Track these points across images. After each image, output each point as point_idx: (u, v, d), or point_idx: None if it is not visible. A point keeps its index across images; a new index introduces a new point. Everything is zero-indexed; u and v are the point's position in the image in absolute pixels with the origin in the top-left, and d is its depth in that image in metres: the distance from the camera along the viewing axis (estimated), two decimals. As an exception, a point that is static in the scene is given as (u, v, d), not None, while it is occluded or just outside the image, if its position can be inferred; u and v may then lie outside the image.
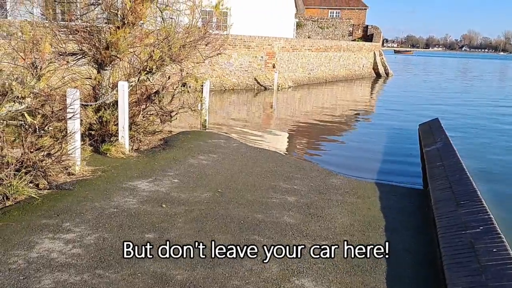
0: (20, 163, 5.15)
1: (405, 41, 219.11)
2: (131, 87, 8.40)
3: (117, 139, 7.79)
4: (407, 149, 10.72)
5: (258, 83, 21.85)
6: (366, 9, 46.14)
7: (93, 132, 7.79)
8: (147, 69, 8.66)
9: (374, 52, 35.23)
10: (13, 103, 5.36)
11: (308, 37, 37.93)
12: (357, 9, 45.50)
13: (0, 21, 5.11)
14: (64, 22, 8.92)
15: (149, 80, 9.04)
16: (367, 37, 39.90)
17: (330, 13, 45.08)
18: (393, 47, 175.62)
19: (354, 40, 39.00)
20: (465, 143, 11.06)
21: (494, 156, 10.40)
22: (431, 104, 19.86)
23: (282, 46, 22.95)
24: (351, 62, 31.67)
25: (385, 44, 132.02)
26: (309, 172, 7.53)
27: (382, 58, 36.35)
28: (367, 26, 41.65)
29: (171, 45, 8.80)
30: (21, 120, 5.51)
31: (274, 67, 22.20)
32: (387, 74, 35.69)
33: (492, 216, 4.48)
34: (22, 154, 5.37)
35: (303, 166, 8.09)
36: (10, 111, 5.35)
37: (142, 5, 8.12)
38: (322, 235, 4.83)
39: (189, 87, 10.35)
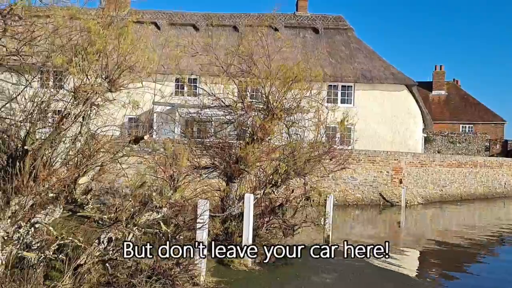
0: (152, 270, 5.37)
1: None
2: (256, 200, 8.61)
3: (241, 251, 7.81)
4: None
5: (383, 198, 20.96)
6: (503, 123, 43.17)
7: (218, 243, 7.95)
8: (273, 182, 8.89)
9: (518, 168, 31.91)
10: (151, 212, 5.78)
11: (438, 152, 36.24)
12: (493, 123, 42.83)
13: (149, 138, 5.76)
14: (200, 139, 9.85)
15: (274, 193, 9.23)
16: (508, 152, 36.74)
17: (462, 127, 43.01)
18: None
19: (492, 155, 36.11)
20: None
21: None
22: None
23: (409, 161, 22.15)
24: (490, 179, 28.97)
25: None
26: (448, 302, 6.56)
27: (530, 176, 32.59)
28: (506, 141, 38.57)
29: (297, 159, 9.03)
30: (156, 229, 5.86)
31: (401, 182, 21.27)
32: (538, 193, 31.64)
33: None
34: (154, 261, 5.62)
35: (440, 294, 7.11)
36: (148, 219, 5.76)
37: (271, 123, 8.64)
38: None
39: (312, 201, 10.28)
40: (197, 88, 19.88)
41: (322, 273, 7.59)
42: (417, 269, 10.08)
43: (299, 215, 9.59)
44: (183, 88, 23.38)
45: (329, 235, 10.63)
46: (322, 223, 10.29)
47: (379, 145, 23.53)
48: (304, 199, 9.89)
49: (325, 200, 10.68)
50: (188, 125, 10.30)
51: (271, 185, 8.76)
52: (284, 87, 8.41)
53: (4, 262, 4.11)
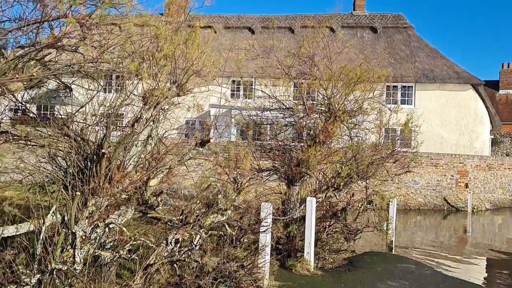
0: (217, 272, 5.41)
1: None
2: (317, 203, 8.48)
3: (302, 255, 7.73)
4: None
5: (448, 203, 20.01)
6: None
7: (280, 246, 7.91)
8: (335, 186, 8.72)
9: None
10: (216, 215, 5.84)
11: (507, 155, 34.13)
12: None
13: (213, 141, 5.82)
14: (259, 142, 9.85)
15: (336, 196, 9.05)
16: None
17: (533, 128, 40.22)
18: None
19: None
20: None
21: None
22: None
23: (476, 165, 21.01)
24: None
25: None
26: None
27: None
28: None
29: (359, 162, 8.80)
30: (221, 231, 5.91)
31: (467, 186, 20.22)
32: None
33: None
34: (218, 263, 5.66)
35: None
36: (213, 221, 5.82)
37: (333, 125, 8.48)
38: None
39: (375, 205, 10.00)
40: (253, 90, 19.99)
41: (388, 280, 7.33)
42: (485, 279, 9.50)
43: (359, 220, 9.36)
44: (239, 91, 23.62)
45: (392, 240, 10.27)
46: (385, 228, 9.96)
47: (442, 148, 22.53)
48: (366, 203, 9.63)
49: (388, 204, 10.32)
50: (247, 127, 10.32)
51: (333, 188, 8.59)
52: (347, 88, 8.23)
53: (81, 261, 4.28)
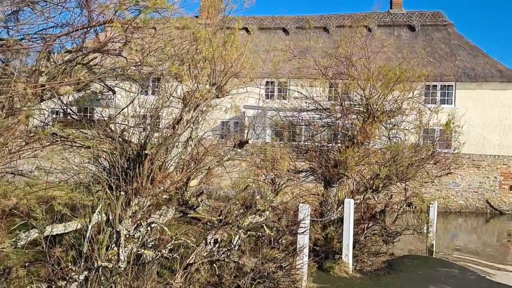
0: (256, 272, 5.42)
1: None
2: (355, 205, 8.36)
3: (340, 257, 7.64)
4: None
5: (491, 206, 19.29)
6: None
7: (317, 248, 7.85)
8: (373, 187, 8.57)
9: None
10: (254, 216, 5.86)
11: (554, 156, 32.56)
12: None
13: (251, 142, 5.84)
14: (295, 143, 9.81)
15: (374, 198, 8.90)
16: None
17: None
18: None
19: None
20: None
21: None
22: None
23: (520, 166, 20.16)
24: None
25: None
26: None
27: None
28: None
29: (398, 163, 8.62)
30: (259, 232, 5.92)
31: (511, 189, 19.43)
32: None
33: None
34: (256, 264, 5.67)
35: None
36: (251, 222, 5.84)
37: (371, 126, 8.34)
38: None
39: (415, 207, 9.77)
40: (288, 91, 19.93)
41: (429, 285, 7.14)
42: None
43: (398, 222, 9.17)
44: (273, 92, 23.61)
45: (433, 244, 10.00)
46: (426, 231, 9.71)
47: (484, 149, 21.74)
48: (406, 205, 9.43)
49: (428, 207, 10.05)
50: (282, 128, 10.30)
51: (371, 190, 8.45)
52: (385, 88, 8.08)
53: (125, 259, 4.39)
